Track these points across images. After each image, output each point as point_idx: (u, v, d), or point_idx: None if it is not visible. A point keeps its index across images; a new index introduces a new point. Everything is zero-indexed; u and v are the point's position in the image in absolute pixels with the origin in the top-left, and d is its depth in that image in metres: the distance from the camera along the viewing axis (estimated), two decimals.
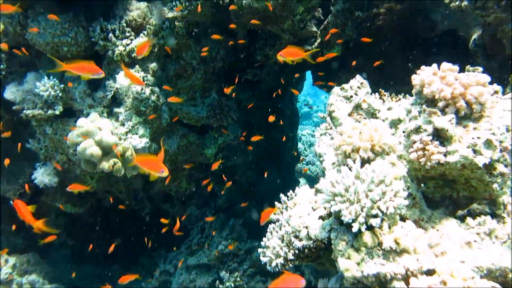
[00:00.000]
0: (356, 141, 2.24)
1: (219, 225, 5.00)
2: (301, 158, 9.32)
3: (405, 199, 2.02)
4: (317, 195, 2.46)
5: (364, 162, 2.24)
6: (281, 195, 3.25)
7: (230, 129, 4.58)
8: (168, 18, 3.75)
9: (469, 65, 2.72)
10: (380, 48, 4.08)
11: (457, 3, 3.04)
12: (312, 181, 8.98)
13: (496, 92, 2.40)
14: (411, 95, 3.60)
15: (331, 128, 3.41)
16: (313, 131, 12.42)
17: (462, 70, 3.56)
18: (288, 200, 3.14)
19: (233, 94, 4.10)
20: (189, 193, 4.83)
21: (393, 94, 3.49)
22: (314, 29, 4.22)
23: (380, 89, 3.46)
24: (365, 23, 3.96)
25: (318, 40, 4.22)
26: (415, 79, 2.47)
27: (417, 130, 2.32)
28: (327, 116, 3.55)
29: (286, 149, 6.65)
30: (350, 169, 2.15)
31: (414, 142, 2.30)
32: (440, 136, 2.28)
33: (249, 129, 5.26)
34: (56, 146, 3.80)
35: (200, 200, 5.08)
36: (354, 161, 2.22)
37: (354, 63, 4.00)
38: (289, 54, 3.23)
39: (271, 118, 3.96)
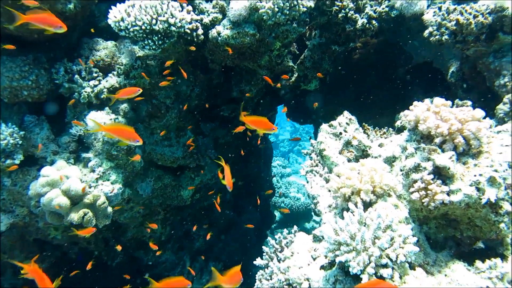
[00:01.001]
0: (356, 183, 2.10)
1: (198, 270, 4.70)
2: (279, 192, 9.19)
3: (414, 245, 1.88)
4: (316, 243, 2.28)
5: (366, 205, 2.10)
6: (269, 239, 3.06)
7: (207, 168, 4.37)
8: (140, 57, 3.57)
9: (457, 99, 2.68)
10: (357, 81, 4.05)
11: (437, 37, 3.04)
12: (286, 215, 8.82)
13: (490, 126, 2.35)
14: (393, 128, 3.55)
15: (317, 165, 3.28)
16: (283, 162, 12.38)
17: None
18: (276, 243, 2.95)
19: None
20: (164, 237, 4.53)
21: (376, 128, 3.43)
22: (291, 63, 4.15)
23: (364, 123, 3.39)
24: (342, 57, 3.92)
25: (295, 75, 4.14)
26: (409, 115, 2.39)
27: (417, 168, 2.21)
28: (311, 153, 3.43)
29: (263, 183, 6.49)
30: (352, 213, 2.00)
31: (415, 181, 2.19)
32: (441, 174, 2.18)
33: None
34: (15, 198, 3.46)
35: (176, 244, 4.77)
36: (355, 205, 2.07)
37: (319, 74, 3.88)
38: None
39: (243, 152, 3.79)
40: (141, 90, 3.10)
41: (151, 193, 4.04)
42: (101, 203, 3.24)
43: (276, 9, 3.25)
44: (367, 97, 4.01)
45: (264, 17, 3.31)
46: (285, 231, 3.00)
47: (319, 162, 3.28)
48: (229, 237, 5.30)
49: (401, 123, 3.35)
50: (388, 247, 1.83)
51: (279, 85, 3.83)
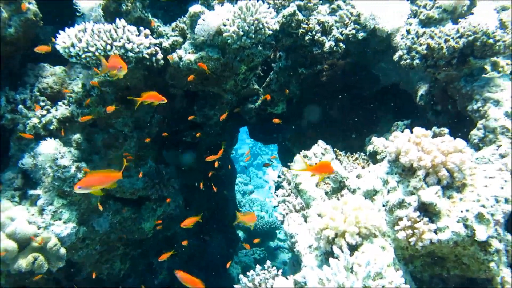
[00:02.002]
0: (340, 224, 1.93)
1: None
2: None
3: None
4: None
5: (352, 248, 1.94)
6: (241, 276, 2.84)
7: (170, 197, 4.10)
8: (93, 83, 3.29)
9: (434, 127, 2.60)
10: (326, 104, 3.94)
11: (407, 61, 2.97)
12: (250, 234, 8.60)
13: (471, 155, 2.26)
14: (365, 152, 3.45)
15: (289, 195, 3.11)
16: (244, 179, 12.18)
17: (413, 125, 3.50)
18: (249, 281, 2.75)
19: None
20: (124, 273, 4.19)
21: (348, 153, 3.31)
22: (256, 86, 3.99)
23: (335, 149, 3.26)
24: (310, 80, 3.81)
25: (261, 98, 3.98)
26: (389, 146, 2.26)
27: (401, 204, 2.08)
28: (282, 182, 3.25)
29: (229, 205, 6.25)
30: (338, 259, 1.82)
31: (400, 219, 2.05)
32: (427, 211, 2.05)
33: (190, 192, 4.81)
34: None
35: (137, 279, 4.44)
36: (341, 248, 1.90)
37: (286, 91, 3.76)
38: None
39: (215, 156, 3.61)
40: (165, 100, 2.84)
41: (109, 228, 3.72)
42: (52, 245, 2.91)
43: (241, 33, 3.09)
44: (337, 119, 3.91)
45: (229, 41, 3.13)
46: (258, 267, 2.80)
47: (292, 191, 3.12)
48: (194, 266, 5.01)
49: (373, 148, 3.25)
50: None
51: (223, 116, 3.67)
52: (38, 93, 3.28)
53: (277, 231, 8.92)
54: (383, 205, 2.18)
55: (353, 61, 3.73)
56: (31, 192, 3.17)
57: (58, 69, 3.49)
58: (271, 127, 5.15)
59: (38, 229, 2.98)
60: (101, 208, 3.37)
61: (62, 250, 2.97)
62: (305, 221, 2.30)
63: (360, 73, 3.73)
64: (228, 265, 5.21)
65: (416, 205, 2.05)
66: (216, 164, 3.96)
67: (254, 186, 12.55)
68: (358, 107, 3.91)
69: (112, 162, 3.63)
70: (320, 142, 2.79)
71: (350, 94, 3.88)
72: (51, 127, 3.25)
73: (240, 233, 8.68)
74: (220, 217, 5.71)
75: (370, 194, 2.32)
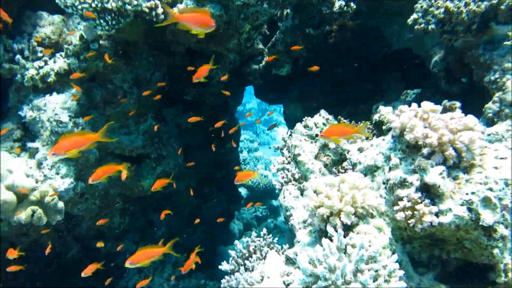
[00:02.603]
0: (336, 203, 1.86)
1: (159, 263, 4.45)
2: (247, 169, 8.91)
3: (400, 279, 1.68)
4: (289, 266, 2.05)
5: (346, 227, 1.87)
6: (236, 242, 2.83)
7: (170, 156, 4.05)
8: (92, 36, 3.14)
9: (445, 100, 2.45)
10: (333, 65, 3.78)
11: (422, 25, 2.78)
12: (252, 190, 8.65)
13: (482, 133, 2.14)
14: (371, 122, 3.33)
15: (289, 163, 3.03)
16: (250, 136, 12.07)
17: (424, 93, 3.35)
18: (244, 249, 2.74)
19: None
20: (124, 228, 4.23)
21: (353, 122, 3.19)
22: (261, 46, 3.82)
23: (339, 117, 3.14)
24: (317, 41, 3.62)
25: (266, 58, 3.82)
26: (394, 121, 2.14)
27: (402, 183, 1.99)
28: (282, 148, 3.17)
29: (230, 164, 6.22)
30: (331, 239, 1.77)
31: (400, 199, 1.97)
32: (429, 192, 1.97)
33: (191, 152, 4.76)
34: None
35: (137, 234, 4.49)
36: (335, 228, 1.84)
37: (314, 68, 3.57)
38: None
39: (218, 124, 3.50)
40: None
41: (108, 183, 3.70)
42: (50, 199, 2.90)
43: None
44: (344, 84, 3.76)
45: None
46: (254, 234, 2.78)
47: (292, 159, 3.04)
48: (193, 224, 5.05)
49: (379, 117, 3.13)
50: (372, 283, 1.62)
51: (224, 77, 3.52)
52: (36, 43, 3.15)
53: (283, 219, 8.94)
54: (384, 183, 2.10)
55: (364, 22, 3.53)
56: (30, 144, 3.12)
57: (57, 18, 3.34)
58: (277, 87, 5.01)
59: (36, 182, 2.96)
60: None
61: (60, 204, 2.97)
62: (302, 194, 2.24)
63: (370, 35, 3.54)
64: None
65: (418, 184, 1.96)
66: (220, 124, 3.84)
67: (261, 143, 12.41)
68: (367, 72, 3.74)
69: (110, 118, 3.55)
70: (323, 111, 2.67)
71: (360, 57, 3.70)
72: (49, 80, 3.15)
73: (244, 191, 8.74)
74: (222, 174, 5.68)
75: (371, 170, 2.23)
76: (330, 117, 2.64)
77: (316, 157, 2.43)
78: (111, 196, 3.85)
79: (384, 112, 3.02)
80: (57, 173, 3.05)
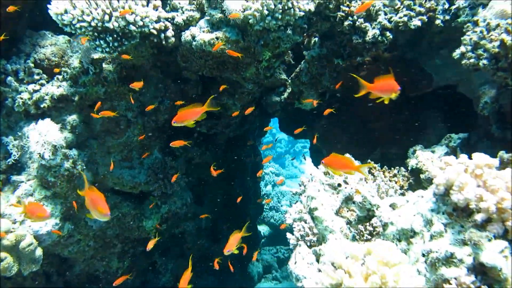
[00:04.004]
0: (359, 283, 1.38)
1: None
2: (266, 200, 8.37)
3: None
4: None
5: None
6: None
7: (176, 194, 3.65)
8: (94, 59, 2.84)
9: (502, 152, 1.95)
10: (363, 102, 3.32)
11: (471, 60, 2.32)
12: (274, 228, 8.11)
13: None
14: (405, 167, 2.84)
15: (306, 213, 2.57)
16: (276, 169, 11.54)
17: (469, 138, 2.84)
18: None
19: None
20: (122, 272, 3.80)
21: (385, 167, 2.71)
22: (284, 76, 3.43)
23: (370, 161, 2.67)
24: (346, 73, 3.20)
25: (289, 90, 3.42)
26: (438, 176, 1.66)
27: (449, 260, 1.50)
28: (301, 194, 2.71)
29: (248, 202, 5.76)
30: None
31: (446, 281, 1.47)
32: (486, 274, 1.46)
33: (202, 189, 4.35)
34: None
35: (138, 280, 4.06)
36: None
37: (327, 111, 3.19)
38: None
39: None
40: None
41: (105, 224, 3.32)
42: (26, 245, 2.51)
43: (266, 12, 2.53)
44: (375, 123, 3.30)
45: (251, 21, 2.59)
46: None
47: (308, 213, 2.57)
48: (203, 269, 4.58)
49: (416, 164, 2.64)
50: None
51: (249, 110, 3.13)
52: (32, 65, 2.87)
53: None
54: (423, 255, 1.61)
55: (401, 55, 3.09)
56: (14, 178, 2.79)
57: (62, 38, 3.07)
58: (300, 121, 4.59)
59: (14, 223, 2.60)
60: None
61: (38, 252, 2.58)
62: (317, 260, 1.77)
63: (408, 69, 3.08)
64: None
65: (471, 263, 1.47)
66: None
67: (287, 176, 11.81)
68: (402, 110, 3.27)
69: (111, 150, 3.21)
70: (348, 156, 2.21)
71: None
72: (43, 105, 2.84)
73: (265, 228, 8.20)
74: (236, 215, 5.23)
75: (406, 235, 1.74)
76: (356, 163, 2.18)
77: (337, 213, 1.96)
78: (108, 237, 3.46)
79: (423, 158, 2.55)
80: None
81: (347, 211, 1.97)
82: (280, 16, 2.56)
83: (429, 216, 1.67)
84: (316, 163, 5.18)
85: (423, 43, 3.07)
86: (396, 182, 2.62)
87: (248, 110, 3.17)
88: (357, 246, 1.56)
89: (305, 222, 2.55)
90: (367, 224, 2.06)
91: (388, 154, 3.44)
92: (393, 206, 1.92)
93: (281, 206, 8.84)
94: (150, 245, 2.83)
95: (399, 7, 2.85)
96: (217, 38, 2.68)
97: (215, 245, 4.84)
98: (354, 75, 1.99)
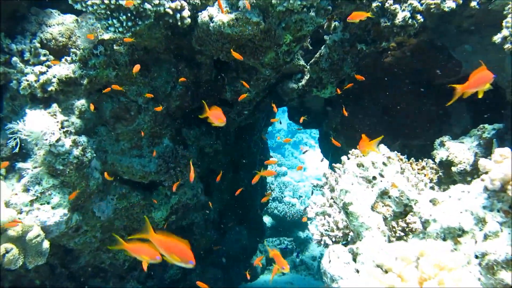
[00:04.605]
0: None
1: None
2: (268, 193, 8.24)
3: None
4: None
5: None
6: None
7: (187, 184, 3.50)
8: (104, 40, 2.66)
9: None
10: (386, 90, 3.17)
11: None
12: (278, 219, 7.99)
13: None
14: (433, 160, 2.69)
15: (331, 206, 2.42)
16: (278, 160, 11.38)
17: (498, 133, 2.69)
18: None
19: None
20: (129, 265, 3.66)
21: (412, 159, 2.56)
22: (302, 62, 3.26)
23: (397, 153, 2.51)
24: (369, 59, 3.04)
25: (307, 77, 3.25)
26: (493, 170, 1.51)
27: (509, 263, 1.35)
28: (322, 186, 2.57)
29: (256, 194, 5.63)
30: None
31: (507, 286, 1.32)
32: None
33: (212, 179, 4.20)
34: None
35: (143, 272, 3.92)
36: None
37: (344, 111, 3.05)
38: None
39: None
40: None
41: (113, 214, 3.17)
42: (33, 236, 2.36)
43: None
44: (398, 112, 3.14)
45: (273, 1, 2.41)
46: None
47: (334, 202, 2.42)
48: (208, 261, 4.45)
49: (447, 156, 2.49)
50: None
51: (242, 96, 2.96)
52: (38, 45, 2.69)
53: (309, 222, 8.25)
54: (476, 257, 1.46)
55: (430, 40, 2.93)
56: (20, 165, 2.62)
57: (69, 18, 2.87)
58: (314, 110, 4.43)
59: (20, 213, 2.44)
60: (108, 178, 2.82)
61: (45, 245, 2.42)
62: (354, 259, 1.63)
63: (436, 55, 2.92)
64: (257, 262, 4.63)
65: None
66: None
67: (288, 166, 11.66)
68: (426, 99, 3.12)
69: (121, 138, 3.04)
70: (383, 147, 2.06)
71: (419, 82, 3.08)
72: (50, 88, 2.67)
73: (268, 219, 8.08)
74: (244, 206, 5.09)
75: (453, 234, 1.59)
76: (392, 154, 2.03)
77: (372, 208, 1.81)
78: (115, 228, 3.31)
79: (455, 150, 2.39)
80: (48, 202, 2.53)
81: (383, 206, 1.83)
82: None
83: (481, 213, 1.53)
84: (325, 153, 5.04)
85: (450, 28, 2.91)
86: (425, 175, 2.47)
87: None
88: (404, 245, 1.42)
89: (329, 216, 2.41)
90: (403, 221, 1.92)
91: (409, 145, 3.30)
92: (433, 201, 1.77)
93: (284, 197, 8.71)
94: (145, 266, 2.60)
95: None
96: (237, 19, 2.51)
97: (223, 235, 4.71)
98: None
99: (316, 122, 4.53)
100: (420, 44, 2.94)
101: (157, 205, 3.38)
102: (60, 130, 2.54)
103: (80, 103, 2.77)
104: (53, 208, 2.55)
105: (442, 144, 2.70)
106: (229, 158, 4.42)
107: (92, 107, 2.71)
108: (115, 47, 2.71)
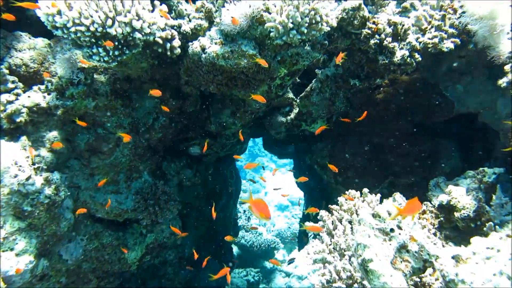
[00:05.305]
0: None
1: None
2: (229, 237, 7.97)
3: None
4: None
5: None
6: None
7: (166, 222, 3.24)
8: (84, 68, 2.42)
9: None
10: (377, 127, 3.09)
11: None
12: (244, 249, 7.75)
13: None
14: (429, 201, 2.60)
15: (330, 252, 2.26)
16: (243, 185, 11.12)
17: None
18: None
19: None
20: None
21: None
22: (291, 95, 3.14)
23: (395, 193, 2.40)
24: (362, 95, 2.96)
25: (296, 110, 3.13)
26: None
27: None
28: (321, 232, 2.41)
29: (228, 224, 5.41)
30: None
31: None
32: None
33: (188, 213, 3.95)
34: None
35: None
36: None
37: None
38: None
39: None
40: None
41: (82, 256, 2.86)
42: None
43: (290, 25, 2.23)
44: (389, 150, 3.07)
45: (272, 34, 2.28)
46: None
47: (334, 248, 2.27)
48: None
49: (448, 200, 2.41)
50: None
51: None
52: (6, 71, 2.41)
53: (275, 251, 8.05)
54: None
55: (423, 77, 2.89)
56: None
57: (41, 42, 2.61)
58: (291, 141, 4.31)
59: None
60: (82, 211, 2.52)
61: None
62: None
63: (428, 93, 2.88)
64: None
65: None
66: None
67: (252, 191, 11.41)
68: (417, 137, 3.06)
69: (96, 172, 2.77)
70: (398, 195, 1.94)
71: (409, 120, 3.02)
72: (19, 119, 2.38)
73: (234, 249, 7.80)
74: (216, 239, 4.85)
75: None
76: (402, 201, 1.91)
77: (391, 263, 1.67)
78: (83, 271, 2.98)
79: (457, 194, 2.31)
80: (11, 249, 2.21)
81: (402, 262, 1.69)
82: (306, 31, 2.27)
83: None
84: (303, 186, 4.91)
85: (441, 67, 2.89)
86: (426, 220, 2.37)
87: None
88: None
89: (329, 264, 2.25)
90: (420, 277, 1.79)
91: (396, 183, 3.22)
92: (456, 258, 1.65)
93: (251, 225, 8.45)
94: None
95: (426, 28, 2.65)
96: (232, 51, 2.35)
97: (197, 272, 4.43)
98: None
99: (299, 154, 4.41)
100: (413, 82, 2.89)
101: (131, 244, 3.09)
102: (30, 166, 2.25)
103: (52, 134, 2.49)
104: (17, 255, 2.23)
105: (436, 185, 2.62)
106: (207, 190, 4.20)
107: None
108: (95, 76, 2.47)
